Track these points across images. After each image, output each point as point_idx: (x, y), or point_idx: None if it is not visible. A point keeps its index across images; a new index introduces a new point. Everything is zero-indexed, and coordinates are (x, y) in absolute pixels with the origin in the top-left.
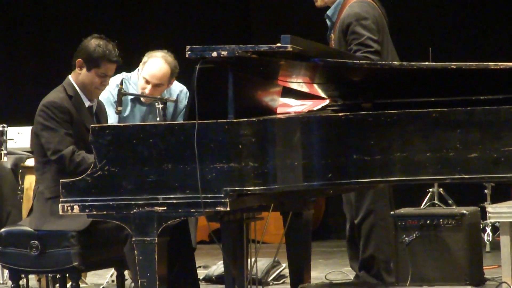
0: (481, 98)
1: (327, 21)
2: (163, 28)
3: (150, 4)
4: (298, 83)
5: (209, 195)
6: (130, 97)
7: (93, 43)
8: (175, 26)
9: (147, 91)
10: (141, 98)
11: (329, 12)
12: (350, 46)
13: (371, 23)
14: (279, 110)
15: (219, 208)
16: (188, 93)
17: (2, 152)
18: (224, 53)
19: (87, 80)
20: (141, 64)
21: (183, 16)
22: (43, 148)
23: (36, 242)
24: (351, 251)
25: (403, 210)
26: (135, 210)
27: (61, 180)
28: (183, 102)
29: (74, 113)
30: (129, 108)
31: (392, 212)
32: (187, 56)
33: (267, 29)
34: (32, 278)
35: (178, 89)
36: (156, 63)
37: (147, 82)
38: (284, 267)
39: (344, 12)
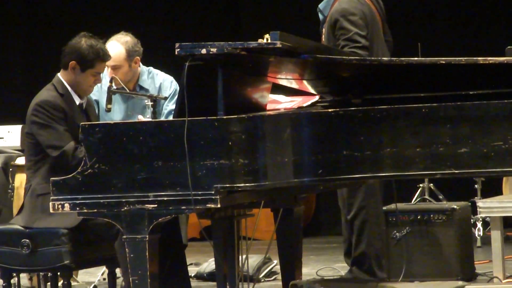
0: (471, 93)
1: (319, 14)
2: (152, 26)
3: (139, 2)
4: (287, 80)
5: (199, 192)
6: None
7: (85, 43)
8: (165, 24)
9: (108, 75)
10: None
11: (321, 6)
12: (338, 41)
13: (358, 18)
14: (269, 107)
15: (209, 205)
16: (173, 81)
17: None
18: (214, 50)
19: (82, 80)
20: None
21: (172, 13)
22: (35, 146)
23: (27, 240)
24: (346, 245)
25: (393, 206)
26: (125, 208)
27: (51, 179)
28: (168, 90)
29: (67, 110)
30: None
31: (383, 208)
32: (176, 53)
33: (257, 26)
34: (24, 277)
35: (161, 78)
36: (109, 46)
37: (107, 66)
38: (275, 264)
39: (333, 8)
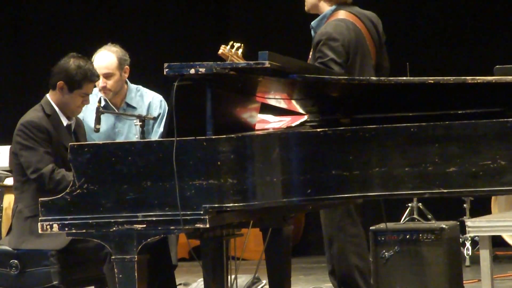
0: (459, 112)
1: (312, 31)
2: (142, 42)
3: (127, 21)
4: (276, 99)
5: (188, 212)
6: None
7: (73, 64)
8: (153, 42)
9: (100, 84)
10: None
11: (313, 23)
12: (314, 62)
13: (339, 45)
14: (257, 127)
15: (198, 225)
16: (162, 100)
17: None
18: (202, 70)
19: (70, 101)
20: None
21: (161, 31)
22: (22, 167)
23: (16, 261)
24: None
25: (382, 225)
26: (114, 228)
27: (40, 199)
28: (157, 109)
29: (52, 132)
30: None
31: (372, 228)
32: (165, 73)
33: (246, 43)
34: None
35: (150, 96)
36: (99, 55)
37: (98, 76)
38: (264, 284)
39: (320, 29)
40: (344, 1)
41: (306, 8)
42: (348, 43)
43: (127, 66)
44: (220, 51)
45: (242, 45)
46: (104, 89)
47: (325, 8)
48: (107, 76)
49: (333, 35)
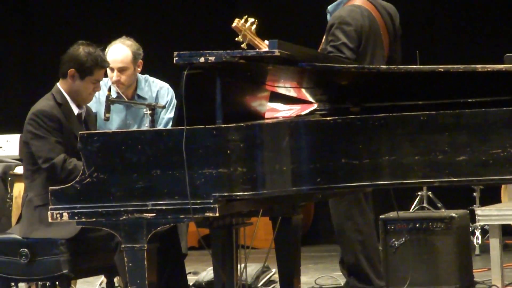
0: (469, 100)
1: (328, 15)
2: (151, 33)
3: (136, 9)
4: (286, 88)
5: (198, 201)
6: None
7: (83, 51)
8: (162, 32)
9: (114, 78)
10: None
11: (330, 8)
12: (327, 45)
13: (352, 30)
14: (267, 115)
15: (208, 214)
16: (169, 89)
17: None
18: (212, 58)
19: (82, 88)
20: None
21: (170, 20)
22: (32, 156)
23: (26, 250)
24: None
25: (392, 214)
26: (124, 217)
27: (50, 188)
28: (165, 98)
29: (63, 121)
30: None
31: (381, 216)
32: (174, 62)
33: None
34: (22, 286)
35: (158, 86)
36: (114, 48)
37: (112, 69)
38: (273, 273)
39: (334, 13)
40: None
41: None
42: (361, 29)
43: (141, 60)
44: (234, 24)
45: (256, 21)
46: (117, 82)
47: None
48: (122, 70)
49: (346, 19)
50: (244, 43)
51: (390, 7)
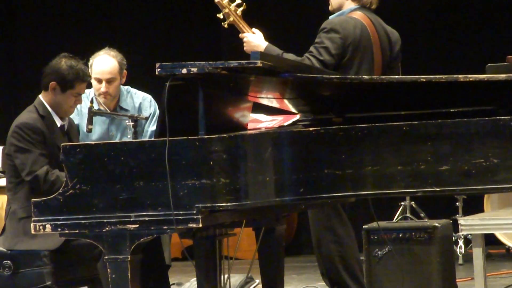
0: (452, 110)
1: None
2: (132, 44)
3: (119, 21)
4: (268, 99)
5: (181, 212)
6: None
7: (65, 64)
8: (145, 43)
9: (102, 89)
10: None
11: (331, 17)
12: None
13: (338, 37)
14: (249, 126)
15: (191, 225)
16: (152, 100)
17: None
18: (194, 69)
19: (63, 101)
20: (89, 68)
21: (152, 32)
22: (15, 168)
23: (9, 262)
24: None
25: (375, 224)
26: (107, 228)
27: (32, 200)
28: (148, 109)
29: (46, 133)
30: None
31: (365, 226)
32: (156, 73)
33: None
34: None
35: (140, 97)
36: (101, 59)
37: (99, 81)
38: (257, 283)
39: (328, 19)
40: (369, 5)
41: (331, 8)
42: (349, 39)
43: (125, 71)
44: (217, 0)
45: (245, 5)
46: (105, 94)
47: (348, 6)
48: (110, 81)
49: (336, 27)
50: (225, 22)
51: (392, 32)
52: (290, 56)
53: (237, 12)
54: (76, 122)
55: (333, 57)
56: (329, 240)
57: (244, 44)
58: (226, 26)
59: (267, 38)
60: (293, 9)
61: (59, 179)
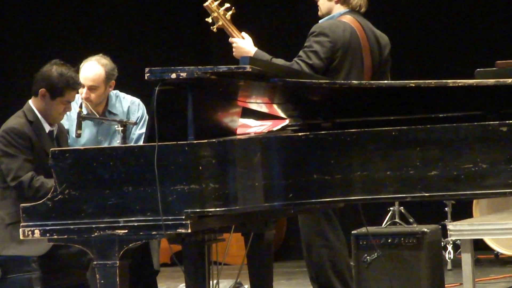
0: (441, 115)
1: None
2: (122, 49)
3: (109, 26)
4: (257, 104)
5: (170, 217)
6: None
7: (55, 71)
8: (134, 48)
9: (84, 95)
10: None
11: (320, 22)
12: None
13: (327, 41)
14: (239, 131)
15: (180, 230)
16: (140, 104)
17: None
18: (183, 74)
19: (52, 108)
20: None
21: (142, 36)
22: (2, 174)
23: None
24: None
25: (364, 230)
26: (96, 234)
27: (21, 205)
28: (136, 113)
29: (34, 138)
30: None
31: (354, 232)
32: (146, 78)
33: (227, 49)
34: None
35: (129, 101)
36: (88, 65)
37: (83, 85)
38: None
39: (317, 23)
40: (358, 10)
41: (320, 13)
42: (339, 43)
43: (113, 81)
44: (206, 4)
45: (234, 9)
46: (87, 100)
47: (337, 10)
48: (92, 88)
49: (325, 31)
50: (214, 26)
51: (381, 36)
52: (280, 61)
53: (226, 16)
54: (66, 127)
55: (322, 61)
56: (320, 245)
57: (234, 49)
58: (215, 30)
59: (256, 42)
60: (283, 13)
61: (44, 186)
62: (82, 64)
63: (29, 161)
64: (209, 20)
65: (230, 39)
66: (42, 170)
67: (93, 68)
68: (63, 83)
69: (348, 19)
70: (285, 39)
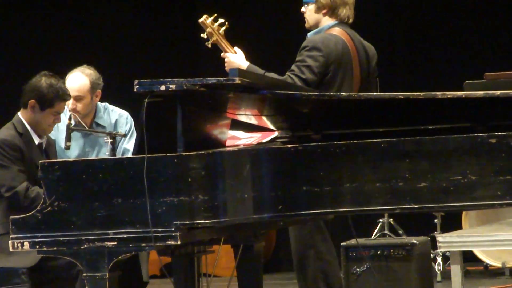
0: (430, 127)
1: None
2: (111, 61)
3: (96, 37)
4: (247, 116)
5: (159, 229)
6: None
7: (44, 83)
8: (123, 59)
9: (70, 105)
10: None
11: (309, 35)
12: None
13: (320, 56)
14: (228, 143)
15: (169, 242)
16: (128, 117)
17: None
18: (172, 86)
19: (41, 119)
20: None
21: (131, 48)
22: None
23: None
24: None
25: (354, 241)
26: (85, 246)
27: (10, 217)
28: (124, 126)
29: (24, 150)
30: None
31: (343, 243)
32: (135, 90)
33: (216, 61)
34: None
35: (117, 114)
36: (72, 76)
37: (70, 95)
38: None
39: (309, 37)
40: (346, 20)
41: (307, 25)
42: (332, 56)
43: (99, 90)
44: (201, 20)
45: (227, 23)
46: (73, 110)
47: (326, 22)
48: (78, 99)
49: (318, 45)
50: (209, 42)
51: (369, 47)
52: (272, 75)
53: (220, 31)
54: (52, 137)
55: (316, 76)
56: (311, 257)
57: (226, 64)
58: (209, 46)
59: (248, 56)
60: (274, 28)
61: (40, 196)
62: (67, 76)
63: (22, 172)
64: (204, 36)
65: (223, 54)
66: (32, 181)
67: (78, 79)
68: (52, 94)
69: (338, 31)
70: (277, 53)
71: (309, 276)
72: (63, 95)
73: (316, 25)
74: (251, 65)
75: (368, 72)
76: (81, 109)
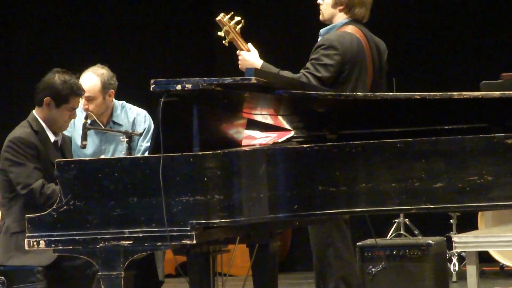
0: (446, 127)
1: (319, 38)
2: (128, 60)
3: (113, 36)
4: (262, 115)
5: (175, 228)
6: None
7: (58, 79)
8: (139, 59)
9: (82, 105)
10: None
11: (322, 31)
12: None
13: (337, 55)
14: (244, 143)
15: (185, 241)
16: (146, 116)
17: None
18: (189, 86)
19: (58, 116)
20: None
21: (148, 47)
22: (10, 183)
23: (2, 278)
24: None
25: (369, 241)
26: (101, 245)
27: (26, 216)
28: (142, 125)
29: (40, 148)
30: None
31: (359, 243)
32: (151, 89)
33: (232, 60)
34: None
35: (135, 112)
36: (85, 76)
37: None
38: None
39: (324, 36)
40: (360, 19)
41: (321, 18)
42: (347, 55)
43: (112, 90)
44: (218, 18)
45: (243, 21)
46: (86, 110)
47: (340, 19)
48: (89, 99)
49: (334, 43)
50: (226, 40)
51: (380, 42)
52: (287, 73)
53: (236, 29)
54: (68, 134)
55: (331, 74)
56: (331, 255)
57: (239, 62)
58: (226, 44)
59: (261, 53)
60: (289, 25)
61: (55, 193)
62: (81, 75)
63: (38, 169)
64: (222, 34)
65: (238, 52)
66: (48, 179)
67: (89, 79)
68: (67, 89)
69: (352, 29)
70: (292, 51)
71: (329, 274)
72: (78, 90)
73: (330, 19)
74: (265, 64)
75: (379, 68)
76: (93, 109)
